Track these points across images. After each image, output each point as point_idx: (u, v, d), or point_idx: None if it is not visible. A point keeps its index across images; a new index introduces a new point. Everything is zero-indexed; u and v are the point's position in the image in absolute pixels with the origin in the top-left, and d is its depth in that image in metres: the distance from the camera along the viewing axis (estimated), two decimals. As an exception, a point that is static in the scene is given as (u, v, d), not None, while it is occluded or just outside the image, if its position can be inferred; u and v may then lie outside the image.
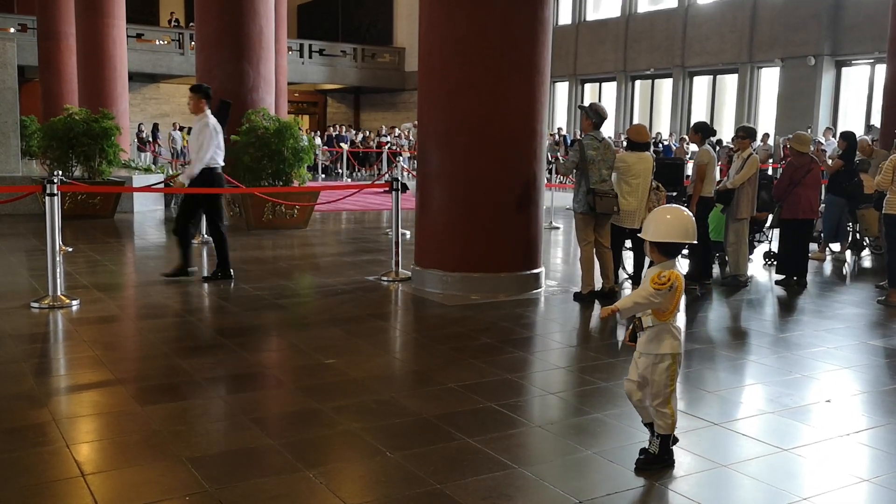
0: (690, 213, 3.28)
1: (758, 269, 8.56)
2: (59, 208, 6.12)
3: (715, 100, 24.17)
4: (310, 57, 30.80)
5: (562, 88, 28.56)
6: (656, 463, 3.27)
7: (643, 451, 3.33)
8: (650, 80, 25.96)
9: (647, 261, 7.38)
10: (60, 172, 6.78)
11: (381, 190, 9.41)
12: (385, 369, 4.82)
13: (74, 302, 6.06)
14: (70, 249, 8.31)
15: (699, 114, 24.00)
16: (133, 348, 5.19)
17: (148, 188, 11.89)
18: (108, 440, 3.57)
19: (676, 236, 3.18)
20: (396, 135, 26.84)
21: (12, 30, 24.92)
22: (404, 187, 7.80)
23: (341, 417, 3.84)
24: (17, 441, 3.48)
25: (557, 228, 12.13)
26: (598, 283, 6.82)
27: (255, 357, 5.02)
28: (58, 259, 6.06)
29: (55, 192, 6.03)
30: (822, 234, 9.47)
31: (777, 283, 7.74)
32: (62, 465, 3.26)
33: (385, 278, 7.42)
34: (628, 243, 7.51)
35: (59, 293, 6.04)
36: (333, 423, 3.78)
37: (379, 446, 3.49)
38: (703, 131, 7.40)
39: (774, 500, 3.08)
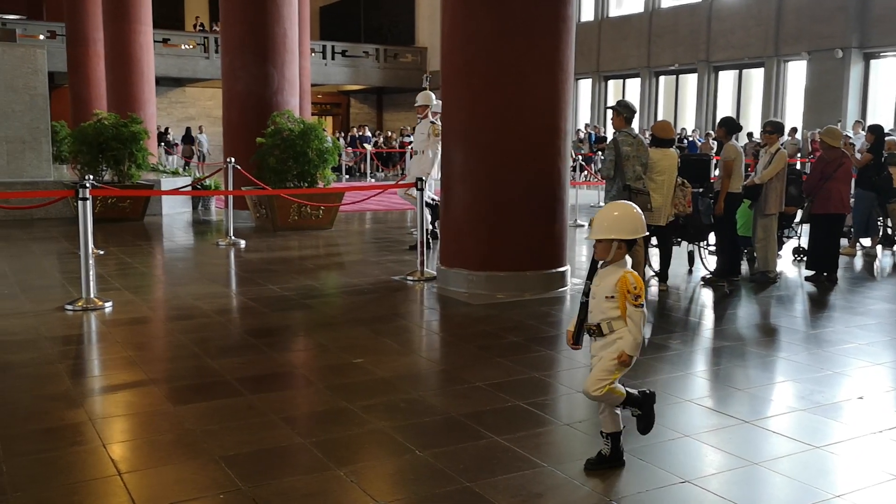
0: (638, 208, 3.22)
1: (787, 265, 8.48)
2: (91, 212, 6.22)
3: (741, 94, 23.93)
4: (332, 58, 30.97)
5: (585, 85, 28.44)
6: (605, 463, 3.24)
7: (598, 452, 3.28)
8: (674, 76, 25.77)
9: (672, 258, 7.36)
10: (91, 176, 6.88)
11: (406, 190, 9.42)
12: (412, 368, 4.85)
13: (107, 304, 6.15)
14: (101, 252, 8.48)
15: (725, 109, 23.78)
16: (165, 349, 5.27)
17: (179, 191, 12.04)
18: (143, 439, 3.63)
19: (625, 233, 3.11)
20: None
21: (42, 36, 25.33)
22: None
23: (370, 416, 3.87)
24: (55, 440, 3.56)
25: (583, 226, 12.08)
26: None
27: (284, 357, 5.08)
28: (90, 262, 6.16)
29: (87, 196, 6.12)
30: (852, 229, 9.36)
31: (807, 279, 7.66)
32: (99, 463, 3.32)
33: (410, 278, 7.45)
34: (653, 240, 7.47)
35: (92, 295, 6.14)
36: (362, 421, 3.81)
37: (408, 445, 3.52)
38: (729, 127, 7.35)
39: (806, 498, 3.06)
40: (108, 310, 6.07)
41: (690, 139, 22.37)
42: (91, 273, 6.17)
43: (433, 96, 9.67)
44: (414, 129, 11.04)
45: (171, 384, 4.39)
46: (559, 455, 3.49)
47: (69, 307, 6.06)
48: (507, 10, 6.59)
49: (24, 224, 11.20)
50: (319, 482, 3.15)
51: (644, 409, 3.29)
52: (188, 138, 27.25)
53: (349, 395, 4.18)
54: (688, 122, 24.80)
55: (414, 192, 9.09)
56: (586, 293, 3.22)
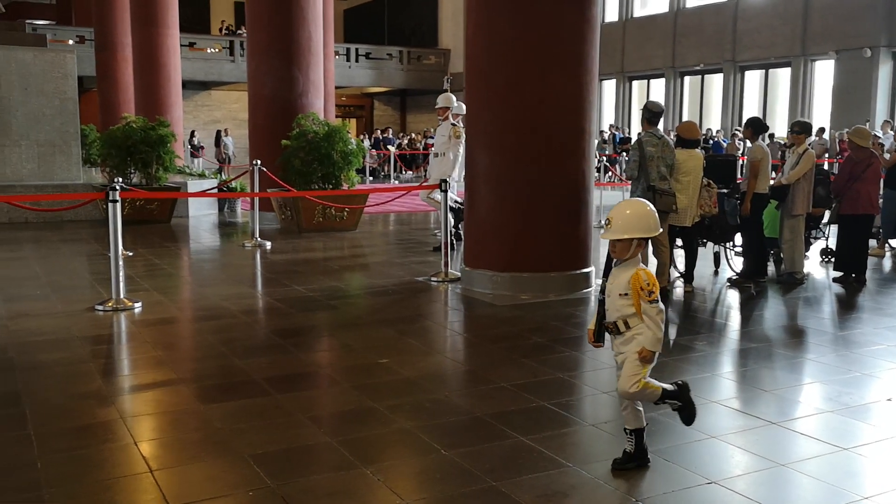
0: (650, 205, 3.23)
1: (815, 266, 8.40)
2: (120, 214, 6.32)
3: (767, 94, 23.72)
4: (356, 60, 31.11)
5: (609, 86, 28.33)
6: (632, 461, 3.25)
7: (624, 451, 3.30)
8: (700, 76, 25.60)
9: (697, 258, 7.32)
10: (120, 179, 6.98)
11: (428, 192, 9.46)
12: (437, 368, 4.87)
13: (136, 304, 6.24)
14: (130, 253, 8.59)
15: (751, 109, 23.58)
16: (193, 349, 5.34)
17: (205, 193, 12.17)
18: (173, 437, 3.69)
19: (642, 231, 3.14)
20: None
21: (71, 41, 25.71)
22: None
23: (396, 416, 3.90)
24: (87, 438, 3.63)
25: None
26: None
27: (310, 357, 5.13)
28: (120, 263, 6.25)
29: (117, 198, 6.22)
30: (880, 230, 9.25)
31: (835, 280, 7.59)
32: (130, 461, 3.38)
33: (434, 279, 7.48)
34: (678, 241, 7.44)
35: (121, 296, 6.23)
36: (388, 421, 3.84)
37: (434, 444, 3.54)
38: (756, 127, 7.30)
39: (834, 500, 3.05)
40: (137, 310, 6.16)
41: (716, 140, 22.21)
42: (120, 274, 6.26)
43: (454, 98, 9.70)
44: (436, 130, 11.08)
45: (200, 383, 4.45)
46: (584, 455, 3.50)
47: (99, 307, 6.16)
48: (531, 13, 6.60)
49: (54, 226, 11.38)
50: (346, 480, 3.18)
51: (683, 400, 3.30)
52: (219, 142, 27.54)
53: (375, 394, 4.21)
54: (713, 122, 24.62)
55: (435, 194, 9.21)
56: (603, 291, 3.24)
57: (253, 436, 3.63)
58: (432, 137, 26.91)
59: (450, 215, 9.10)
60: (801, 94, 22.08)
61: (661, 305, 3.14)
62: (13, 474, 3.21)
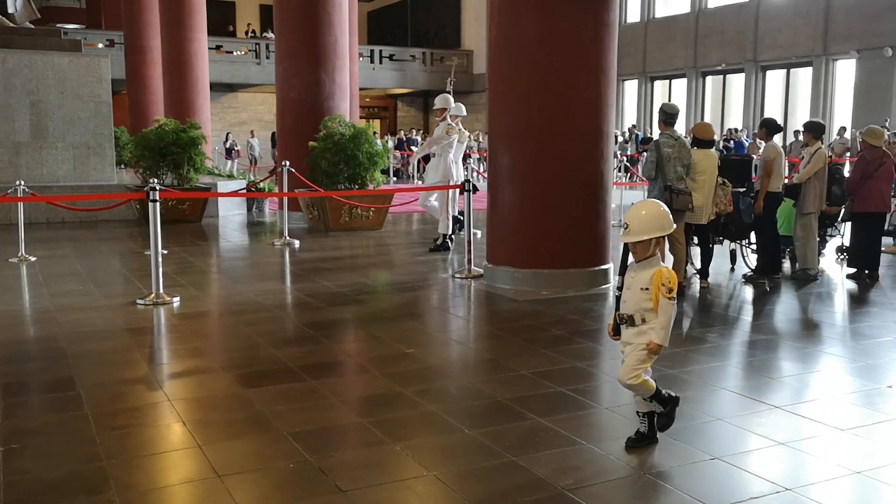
0: (663, 205, 3.44)
1: (830, 264, 8.57)
2: (159, 213, 6.65)
3: (789, 94, 23.75)
4: (380, 62, 31.50)
5: (631, 86, 28.47)
6: (645, 440, 3.49)
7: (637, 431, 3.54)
8: (721, 76, 25.67)
9: (711, 255, 7.53)
10: (155, 180, 7.32)
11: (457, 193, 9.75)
12: (461, 358, 5.16)
13: (175, 299, 6.58)
14: (165, 252, 8.95)
15: (773, 109, 23.63)
16: (230, 339, 5.66)
17: (237, 193, 12.55)
18: (217, 417, 3.99)
19: (658, 230, 3.35)
20: (476, 139, 27.22)
21: (101, 45, 26.31)
22: (475, 188, 8.12)
23: (423, 400, 4.18)
24: (139, 417, 3.95)
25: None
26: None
27: (341, 347, 5.43)
28: (160, 260, 6.60)
29: (157, 198, 6.56)
30: (895, 228, 9.38)
31: (848, 276, 7.77)
32: (180, 437, 3.69)
33: (458, 275, 7.75)
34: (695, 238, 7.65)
35: (160, 291, 6.57)
36: (416, 404, 4.12)
37: (458, 425, 3.82)
38: (770, 127, 7.51)
39: (832, 472, 3.28)
40: (175, 304, 6.49)
41: (738, 140, 22.28)
42: (160, 270, 6.60)
43: (451, 99, 9.99)
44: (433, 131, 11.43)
45: (239, 370, 4.76)
46: (598, 435, 3.76)
47: (140, 302, 6.50)
48: (552, 18, 6.85)
49: (89, 225, 11.80)
50: (378, 455, 3.47)
51: (667, 409, 3.53)
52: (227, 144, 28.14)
53: (402, 381, 4.49)
54: (735, 122, 24.67)
55: (431, 198, 9.65)
56: (619, 287, 3.48)
57: (291, 416, 3.93)
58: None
59: (450, 222, 9.48)
60: (822, 93, 22.11)
61: (675, 304, 3.38)
62: (78, 448, 3.53)
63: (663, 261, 3.50)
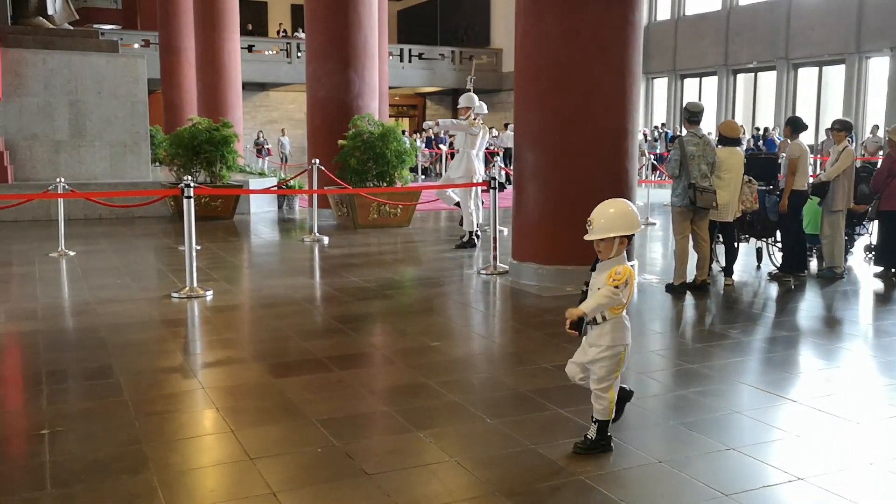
0: (631, 204, 3.36)
1: (858, 262, 8.55)
2: (193, 210, 6.86)
3: (821, 92, 23.50)
4: (409, 61, 31.68)
5: (660, 84, 28.34)
6: (594, 448, 3.42)
7: (584, 436, 3.47)
8: (752, 74, 25.46)
9: (737, 253, 7.57)
10: (189, 177, 7.53)
11: (480, 189, 9.89)
12: (484, 351, 5.28)
13: (208, 292, 6.78)
14: (198, 247, 9.18)
15: (804, 107, 23.40)
16: (261, 331, 5.84)
17: (269, 190, 12.78)
18: (249, 404, 4.15)
19: (624, 229, 3.28)
20: (494, 135, 27.33)
21: (136, 45, 26.80)
22: (501, 186, 8.24)
23: (446, 390, 4.31)
24: (175, 403, 4.13)
25: (654, 224, 12.28)
26: (690, 276, 7.05)
27: (367, 339, 5.58)
28: (194, 255, 6.80)
29: (192, 195, 6.77)
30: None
31: (875, 275, 7.76)
32: (213, 422, 3.87)
33: (484, 272, 7.87)
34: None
35: (195, 285, 6.78)
36: (440, 394, 4.26)
37: (480, 414, 3.94)
38: (795, 125, 7.53)
39: (843, 462, 3.35)
40: (209, 298, 6.69)
41: (770, 138, 22.13)
42: (194, 265, 6.81)
43: (475, 98, 10.15)
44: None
45: (269, 361, 4.92)
46: (616, 425, 3.83)
47: (175, 295, 6.71)
48: (577, 18, 6.94)
49: (125, 222, 12.10)
50: (402, 442, 3.61)
51: (597, 437, 3.44)
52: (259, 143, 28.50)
53: (427, 372, 4.63)
54: (766, 120, 24.47)
55: (450, 192, 9.85)
56: (587, 283, 3.46)
57: (319, 405, 4.08)
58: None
59: (475, 214, 9.73)
60: (855, 91, 21.85)
61: (622, 300, 3.26)
62: (118, 431, 3.71)
63: (630, 260, 3.43)
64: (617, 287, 3.24)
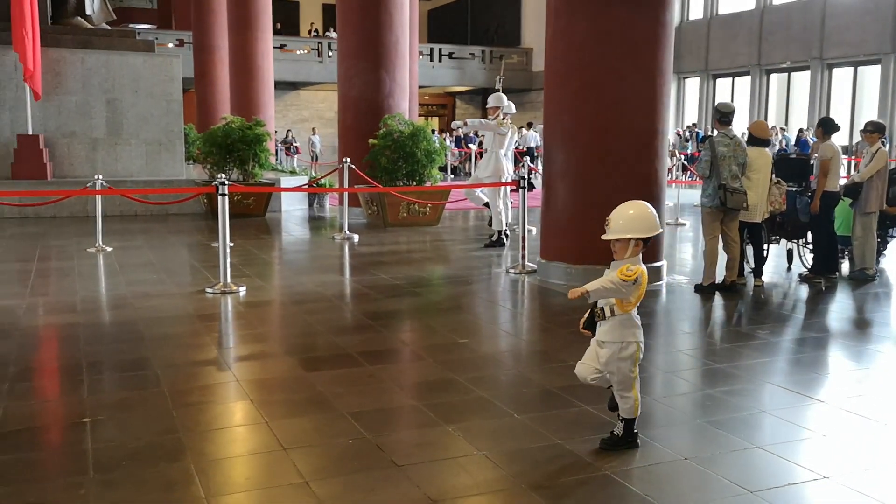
0: (651, 207, 3.36)
1: (892, 264, 8.47)
2: (227, 207, 7.00)
3: (856, 93, 23.19)
4: (439, 60, 31.79)
5: (692, 84, 28.14)
6: (620, 444, 3.44)
7: (611, 432, 3.50)
8: (786, 74, 25.20)
9: (765, 253, 7.54)
10: (223, 175, 7.67)
11: (509, 188, 9.96)
12: (512, 348, 5.34)
13: (241, 288, 6.91)
14: (231, 244, 9.34)
15: (839, 107, 23.11)
16: (293, 326, 5.95)
17: (301, 188, 12.94)
18: (282, 397, 4.26)
19: (642, 231, 3.28)
20: (522, 135, 27.31)
21: (171, 45, 27.21)
22: (531, 185, 8.28)
23: (475, 386, 4.38)
24: (210, 395, 4.24)
25: (684, 225, 12.23)
26: (720, 277, 7.04)
27: (397, 336, 5.67)
28: (228, 251, 6.94)
29: (226, 192, 6.90)
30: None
31: (908, 277, 7.69)
32: (248, 413, 3.97)
33: (512, 270, 7.93)
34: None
35: (228, 281, 6.92)
36: (468, 390, 4.33)
37: (507, 409, 4.01)
38: (827, 126, 7.49)
39: (867, 461, 3.37)
40: (242, 293, 6.82)
41: (803, 139, 21.88)
42: (227, 261, 6.95)
43: (504, 98, 10.22)
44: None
45: (301, 355, 5.03)
46: (643, 422, 3.86)
47: (209, 290, 6.85)
48: (607, 19, 6.97)
49: (160, 219, 12.32)
50: (431, 435, 3.68)
51: (624, 435, 3.47)
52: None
53: (456, 368, 4.70)
54: (800, 121, 24.20)
55: (478, 192, 9.96)
56: None
57: (350, 398, 4.17)
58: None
59: (504, 213, 9.82)
60: (891, 92, 21.54)
61: (629, 296, 3.27)
62: (156, 421, 3.83)
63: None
64: (625, 281, 3.23)
